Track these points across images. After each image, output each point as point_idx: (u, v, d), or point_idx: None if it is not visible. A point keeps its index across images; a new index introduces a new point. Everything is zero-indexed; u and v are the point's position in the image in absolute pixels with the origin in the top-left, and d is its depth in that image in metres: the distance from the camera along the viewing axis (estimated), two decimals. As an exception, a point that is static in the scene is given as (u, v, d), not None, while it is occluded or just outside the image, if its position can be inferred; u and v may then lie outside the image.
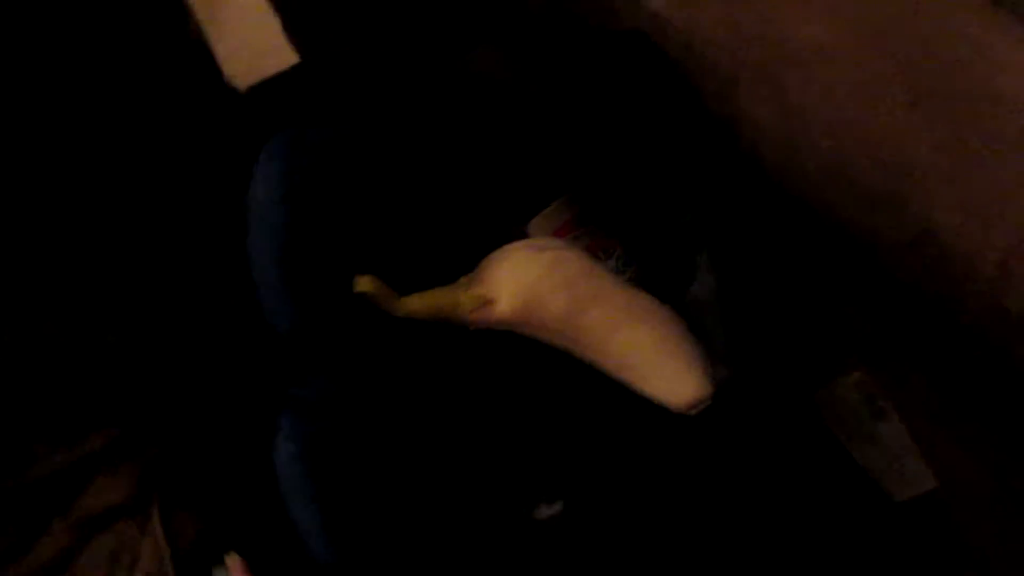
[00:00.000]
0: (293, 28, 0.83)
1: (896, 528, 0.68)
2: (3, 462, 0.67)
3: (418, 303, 0.57)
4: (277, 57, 0.88)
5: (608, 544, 0.59)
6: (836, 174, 0.60)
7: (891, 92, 0.54)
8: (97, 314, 0.72)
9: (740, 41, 0.62)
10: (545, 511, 0.60)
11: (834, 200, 0.62)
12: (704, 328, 0.60)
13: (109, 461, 0.66)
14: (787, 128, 0.63)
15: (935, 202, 0.55)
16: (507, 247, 0.59)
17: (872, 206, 0.59)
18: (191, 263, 0.74)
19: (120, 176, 0.74)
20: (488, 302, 0.57)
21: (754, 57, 0.62)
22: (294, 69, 0.76)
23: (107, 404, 0.70)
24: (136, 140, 0.75)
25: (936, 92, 0.51)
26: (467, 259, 0.61)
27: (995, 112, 0.48)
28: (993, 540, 0.68)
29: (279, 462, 0.59)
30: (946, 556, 0.67)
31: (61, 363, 0.70)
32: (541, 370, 0.60)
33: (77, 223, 0.73)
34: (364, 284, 0.55)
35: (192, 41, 0.82)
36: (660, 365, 0.55)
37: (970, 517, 0.70)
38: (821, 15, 0.56)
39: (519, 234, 0.64)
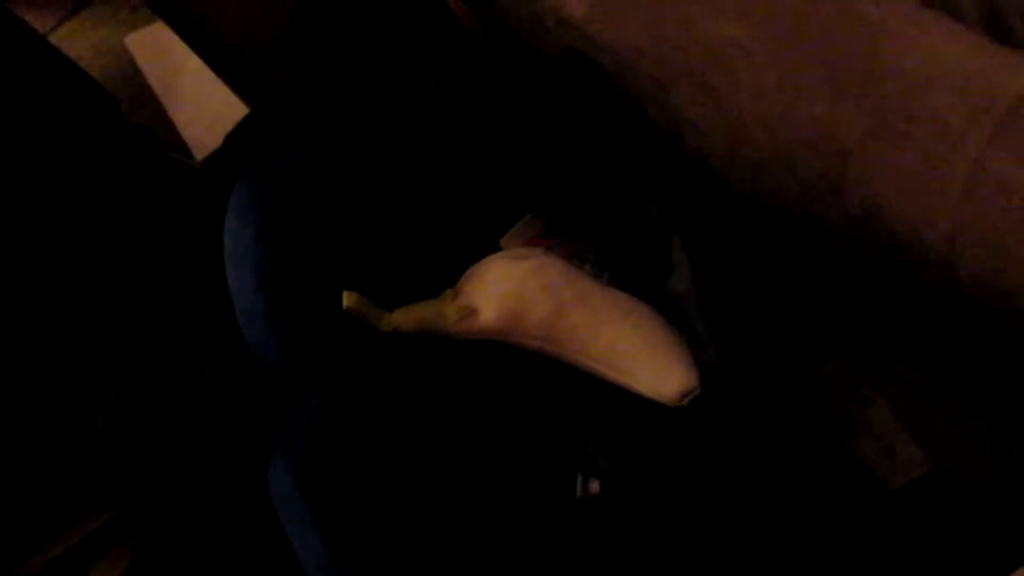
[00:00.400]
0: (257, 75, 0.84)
1: (891, 517, 0.66)
2: (6, 547, 0.68)
3: (403, 317, 0.58)
4: (231, 117, 0.89)
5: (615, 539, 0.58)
6: (777, 165, 0.60)
7: (813, 83, 0.53)
8: (89, 387, 0.73)
9: (664, 47, 0.62)
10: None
11: (780, 190, 0.61)
12: (685, 318, 0.59)
13: (106, 544, 0.66)
14: (724, 126, 0.62)
15: (874, 184, 0.54)
16: (487, 259, 0.60)
17: (816, 193, 0.59)
18: (175, 316, 0.74)
19: (96, 240, 0.75)
20: (472, 312, 0.57)
21: (679, 61, 0.61)
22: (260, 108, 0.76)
23: (104, 482, 0.71)
24: (102, 209, 0.76)
25: (853, 78, 0.50)
26: (446, 275, 0.61)
27: (908, 90, 0.47)
28: (994, 514, 0.66)
29: (277, 497, 0.58)
30: (944, 538, 0.65)
31: (57, 439, 0.71)
32: (529, 375, 0.60)
33: (57, 294, 0.74)
34: (349, 300, 0.55)
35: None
36: (645, 360, 0.55)
37: (970, 494, 0.68)
38: (735, 15, 0.56)
39: (493, 249, 0.65)
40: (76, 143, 0.72)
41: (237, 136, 0.74)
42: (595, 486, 0.58)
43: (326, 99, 0.72)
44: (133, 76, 1.02)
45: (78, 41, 1.09)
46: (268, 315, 0.58)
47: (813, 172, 0.58)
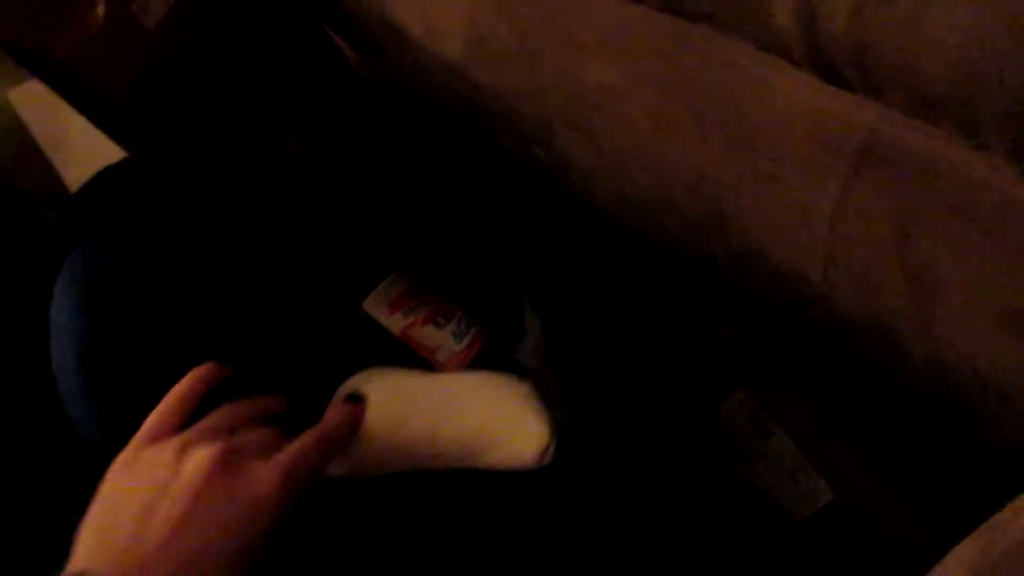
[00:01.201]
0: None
1: (797, 547, 0.66)
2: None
3: None
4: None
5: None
6: (660, 206, 0.60)
7: (683, 125, 0.53)
8: None
9: (544, 92, 0.62)
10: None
11: (665, 229, 0.61)
12: (539, 378, 0.58)
13: None
14: (607, 169, 0.62)
15: (751, 224, 0.54)
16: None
17: (699, 232, 0.59)
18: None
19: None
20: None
21: (559, 105, 0.61)
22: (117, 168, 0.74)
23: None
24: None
25: (720, 120, 0.51)
26: (304, 343, 0.59)
27: (772, 132, 0.48)
28: (896, 541, 0.67)
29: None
30: (850, 568, 0.65)
31: None
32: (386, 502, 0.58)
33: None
34: None
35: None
36: (496, 435, 0.53)
37: (873, 521, 0.69)
38: (607, 59, 0.56)
39: (356, 313, 0.63)
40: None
41: (85, 194, 0.71)
42: None
43: (183, 156, 0.70)
44: (18, 131, 0.98)
45: (-38, 96, 1.05)
46: (87, 396, 0.56)
47: (694, 213, 0.58)
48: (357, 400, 0.55)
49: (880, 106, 0.41)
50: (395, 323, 0.62)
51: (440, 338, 0.62)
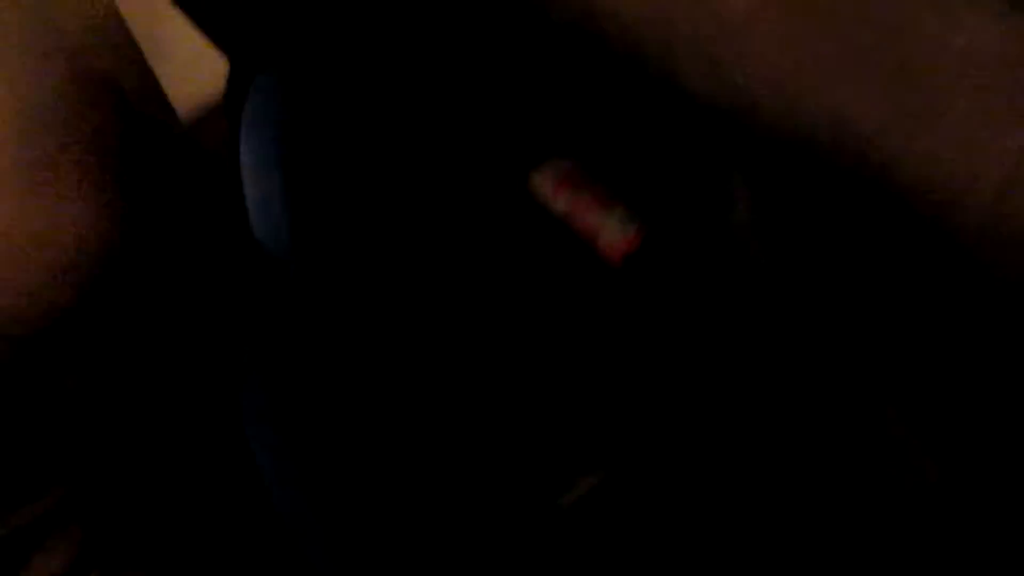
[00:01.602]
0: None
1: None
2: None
3: None
4: (218, 77, 0.84)
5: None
6: (788, 148, 0.55)
7: (835, 69, 0.47)
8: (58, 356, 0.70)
9: (672, 16, 0.56)
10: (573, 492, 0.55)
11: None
12: (743, 249, 0.56)
13: (55, 524, 0.63)
14: (731, 106, 0.56)
15: (895, 173, 0.49)
16: None
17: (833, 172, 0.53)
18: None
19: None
20: None
21: (687, 33, 0.55)
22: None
23: (60, 455, 0.68)
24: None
25: (884, 66, 0.45)
26: (466, 212, 0.58)
27: (947, 78, 0.42)
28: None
29: (254, 444, 0.55)
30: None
31: (21, 408, 0.67)
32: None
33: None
34: None
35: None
36: None
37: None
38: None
39: (522, 185, 0.61)
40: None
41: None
42: (584, 484, 0.54)
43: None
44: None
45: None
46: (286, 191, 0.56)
47: (829, 156, 0.53)
48: None
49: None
50: (560, 202, 0.61)
51: (605, 221, 0.59)
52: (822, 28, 0.47)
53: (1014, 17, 0.36)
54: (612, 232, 0.59)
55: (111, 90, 0.79)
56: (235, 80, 0.73)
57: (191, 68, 0.96)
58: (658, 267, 0.57)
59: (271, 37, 0.69)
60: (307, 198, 0.57)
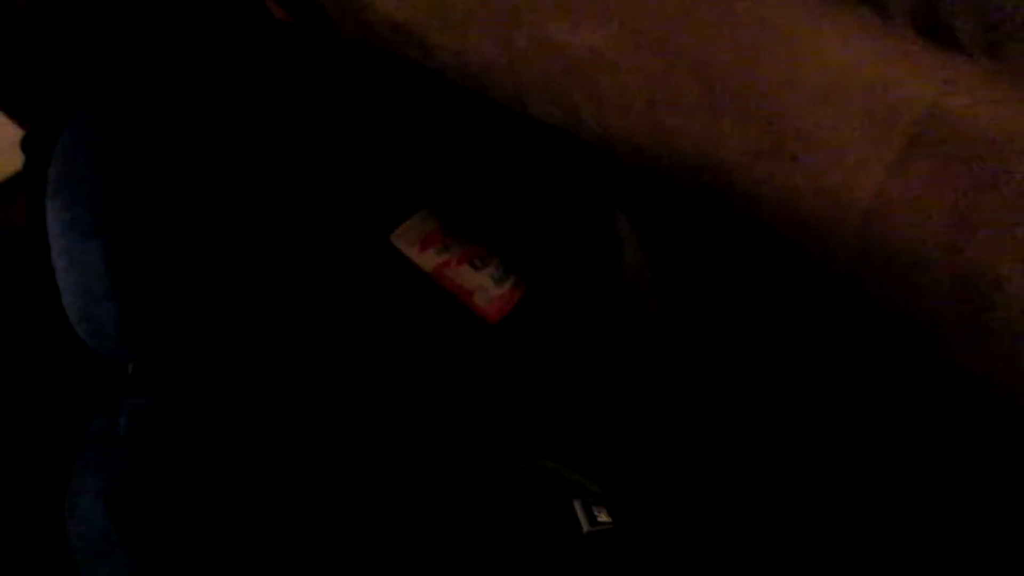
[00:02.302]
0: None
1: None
2: None
3: None
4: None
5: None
6: (649, 181, 0.53)
7: (688, 98, 0.46)
8: None
9: (517, 62, 0.54)
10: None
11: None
12: (635, 298, 0.53)
13: None
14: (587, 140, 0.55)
15: (763, 206, 0.48)
16: None
17: (699, 204, 0.52)
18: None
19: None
20: None
21: (536, 77, 0.53)
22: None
23: None
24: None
25: (736, 91, 0.43)
26: (326, 276, 0.52)
27: (802, 105, 0.41)
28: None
29: (80, 528, 0.45)
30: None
31: None
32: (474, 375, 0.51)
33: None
34: None
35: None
36: None
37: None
38: (596, 23, 0.48)
39: (383, 246, 0.55)
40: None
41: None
42: (603, 515, 0.49)
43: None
44: None
45: None
46: (109, 265, 0.46)
47: (694, 187, 0.51)
48: None
49: (950, 72, 0.35)
50: (427, 260, 0.56)
51: (478, 279, 0.55)
52: (673, 62, 0.45)
53: (879, 41, 0.35)
54: (486, 290, 0.55)
55: None
56: (34, 143, 0.64)
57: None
58: (539, 325, 0.54)
59: (72, 92, 0.61)
60: (138, 272, 0.47)
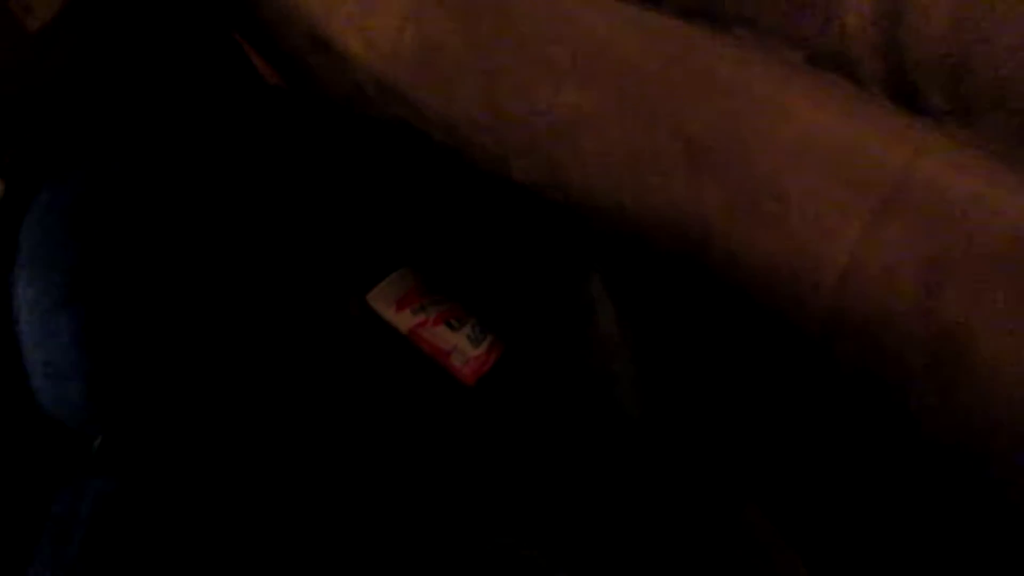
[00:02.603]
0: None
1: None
2: None
3: None
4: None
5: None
6: (632, 243, 0.54)
7: (669, 157, 0.47)
8: None
9: (502, 120, 0.55)
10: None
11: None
12: (608, 362, 0.52)
13: None
14: (571, 204, 0.55)
15: (739, 264, 0.48)
16: None
17: (678, 269, 0.53)
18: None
19: None
20: None
21: (520, 135, 0.54)
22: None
23: None
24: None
25: (715, 152, 0.44)
26: (301, 338, 0.52)
27: (777, 167, 0.41)
28: None
29: None
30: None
31: None
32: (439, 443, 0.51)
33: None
34: None
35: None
36: None
37: None
38: (579, 81, 0.49)
39: (358, 306, 0.55)
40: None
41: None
42: None
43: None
44: None
45: None
46: (77, 336, 0.46)
47: (674, 246, 0.52)
48: None
49: (920, 136, 0.36)
50: (403, 320, 0.56)
51: (455, 340, 0.55)
52: (654, 121, 0.46)
53: (853, 106, 0.37)
54: (463, 352, 0.55)
55: None
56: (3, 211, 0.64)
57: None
58: (515, 387, 0.54)
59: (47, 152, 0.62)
60: (110, 345, 0.47)
